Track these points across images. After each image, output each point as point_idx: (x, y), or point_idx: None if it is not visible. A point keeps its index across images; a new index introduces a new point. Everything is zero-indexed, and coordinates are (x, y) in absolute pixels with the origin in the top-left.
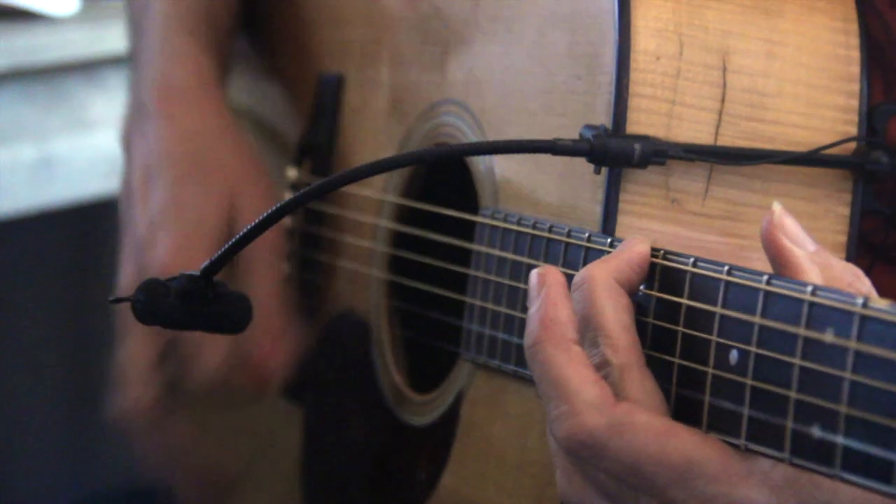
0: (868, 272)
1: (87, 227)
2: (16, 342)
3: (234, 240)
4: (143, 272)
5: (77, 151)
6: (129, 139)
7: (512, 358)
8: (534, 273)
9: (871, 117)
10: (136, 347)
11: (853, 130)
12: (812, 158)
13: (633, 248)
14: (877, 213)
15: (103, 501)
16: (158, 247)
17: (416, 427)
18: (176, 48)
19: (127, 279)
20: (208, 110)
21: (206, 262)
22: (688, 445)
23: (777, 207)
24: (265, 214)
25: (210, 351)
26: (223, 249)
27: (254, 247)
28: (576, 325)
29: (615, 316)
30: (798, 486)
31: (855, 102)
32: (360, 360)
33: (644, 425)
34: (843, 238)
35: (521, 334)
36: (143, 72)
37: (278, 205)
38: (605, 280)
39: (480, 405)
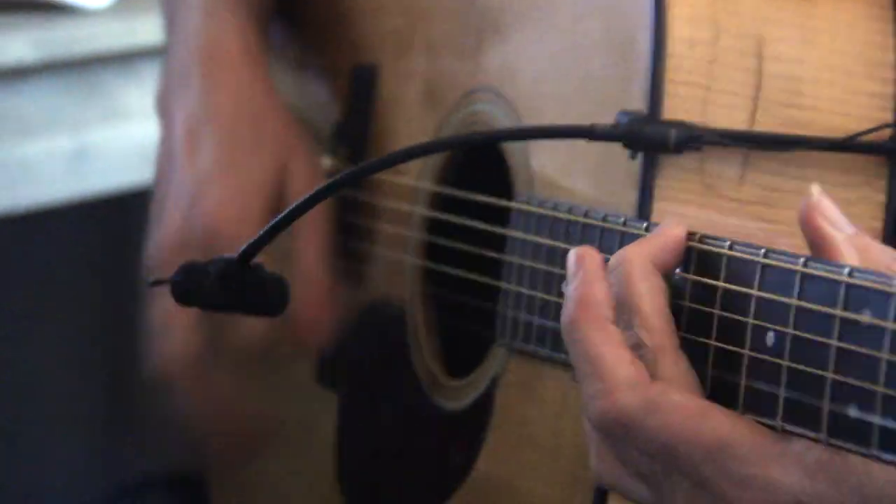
0: None
1: (123, 217)
2: (50, 331)
3: (271, 223)
4: (190, 224)
5: (112, 142)
6: (167, 103)
7: (547, 342)
8: (571, 253)
9: None
10: (166, 309)
11: (888, 117)
12: (846, 145)
13: (669, 231)
14: None
15: (136, 489)
16: (208, 199)
17: (451, 412)
18: (219, 18)
19: (170, 232)
20: (255, 77)
21: (243, 246)
22: (722, 426)
23: (816, 189)
24: (301, 199)
25: (251, 321)
26: (260, 233)
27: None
28: (612, 305)
29: (650, 299)
30: (831, 468)
31: (890, 89)
32: (396, 345)
33: (678, 405)
34: (878, 224)
35: (555, 318)
36: (184, 40)
37: (315, 190)
38: (641, 263)
39: (514, 390)
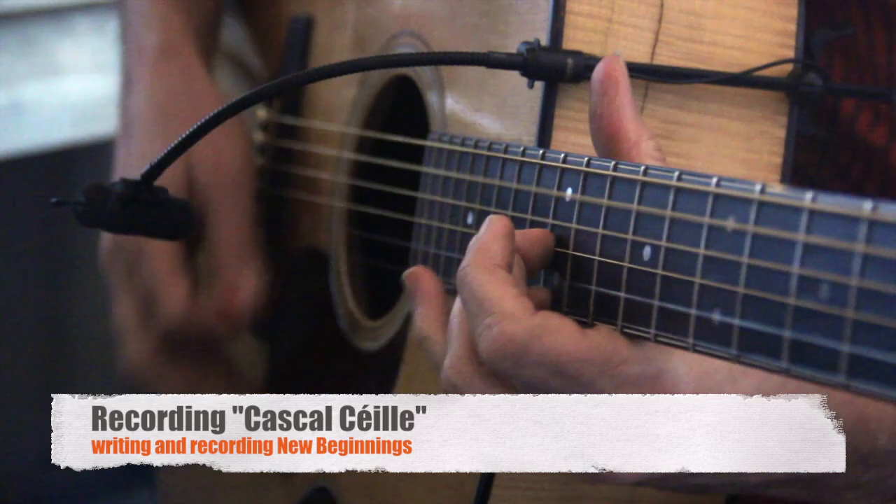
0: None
1: (56, 171)
2: None
3: (173, 144)
4: None
5: (45, 97)
6: (120, 99)
7: (452, 273)
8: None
9: (809, 42)
10: (121, 308)
11: (790, 54)
12: (746, 79)
13: (493, 228)
14: (814, 137)
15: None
16: None
17: (369, 352)
18: (146, 11)
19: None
20: (175, 70)
21: (146, 167)
22: (602, 340)
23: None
24: (202, 120)
25: (170, 288)
26: (163, 154)
27: (221, 189)
28: (508, 259)
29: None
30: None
31: (792, 27)
32: (320, 292)
33: (560, 327)
34: (778, 160)
35: (461, 251)
36: (125, 37)
37: (216, 111)
38: (478, 267)
39: None
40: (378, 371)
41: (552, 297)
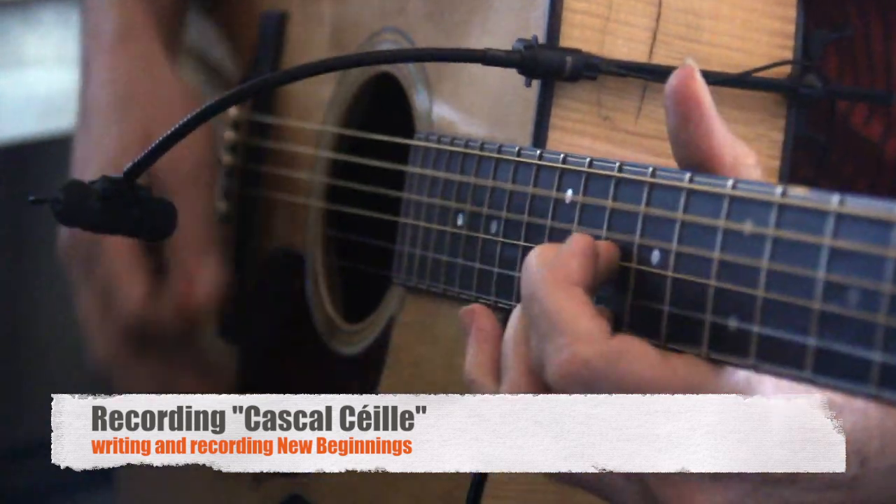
0: None
1: (22, 165)
2: None
3: (155, 143)
4: None
5: (11, 90)
6: (79, 88)
7: (441, 276)
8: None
9: (807, 43)
10: (82, 302)
11: (788, 55)
12: (745, 80)
13: (577, 241)
14: (811, 140)
15: (20, 454)
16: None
17: (348, 356)
18: (105, 3)
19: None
20: (133, 54)
21: (128, 165)
22: (682, 368)
23: (690, 61)
24: (184, 120)
25: (127, 284)
26: (145, 153)
27: (181, 181)
28: (585, 279)
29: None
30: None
31: (790, 28)
32: (295, 294)
33: (639, 353)
34: (776, 163)
35: (450, 253)
36: (85, 23)
37: (197, 110)
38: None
39: (410, 330)
40: (357, 376)
41: (614, 315)
